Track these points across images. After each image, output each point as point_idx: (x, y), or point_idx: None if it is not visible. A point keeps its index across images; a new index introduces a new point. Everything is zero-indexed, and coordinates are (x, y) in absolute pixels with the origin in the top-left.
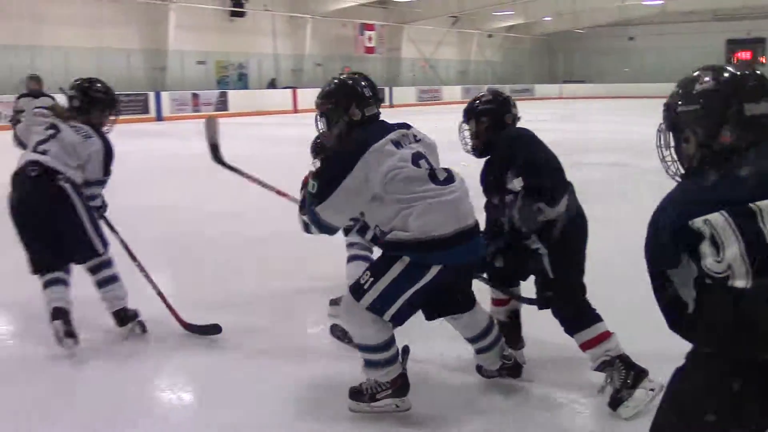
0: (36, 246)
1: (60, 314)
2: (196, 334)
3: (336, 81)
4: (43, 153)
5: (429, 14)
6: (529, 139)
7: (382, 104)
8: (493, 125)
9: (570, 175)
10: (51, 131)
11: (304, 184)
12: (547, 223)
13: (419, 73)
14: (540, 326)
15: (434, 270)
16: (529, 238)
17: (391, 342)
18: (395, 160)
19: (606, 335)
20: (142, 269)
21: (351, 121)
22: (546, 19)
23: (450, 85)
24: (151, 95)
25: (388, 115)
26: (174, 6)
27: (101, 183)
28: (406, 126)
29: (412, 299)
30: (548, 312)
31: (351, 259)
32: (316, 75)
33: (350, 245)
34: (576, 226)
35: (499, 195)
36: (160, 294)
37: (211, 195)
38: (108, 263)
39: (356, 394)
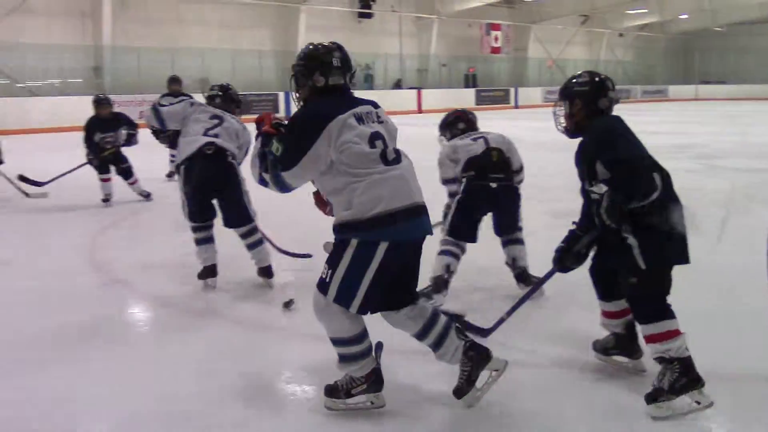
0: (203, 204)
1: (209, 272)
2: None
3: (310, 46)
4: (215, 136)
5: (558, 13)
6: (617, 133)
7: (506, 104)
8: (586, 108)
9: (704, 181)
10: (216, 120)
11: (258, 123)
12: (637, 212)
13: (546, 73)
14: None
15: (382, 247)
16: (621, 230)
17: (363, 335)
18: (353, 135)
19: (674, 334)
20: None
21: (314, 87)
22: (682, 16)
23: None
24: (281, 95)
25: (512, 116)
26: (305, 8)
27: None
28: (374, 104)
29: (372, 285)
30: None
31: (439, 252)
32: (441, 75)
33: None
34: (668, 216)
35: (589, 183)
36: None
37: None
38: (256, 229)
39: (332, 391)
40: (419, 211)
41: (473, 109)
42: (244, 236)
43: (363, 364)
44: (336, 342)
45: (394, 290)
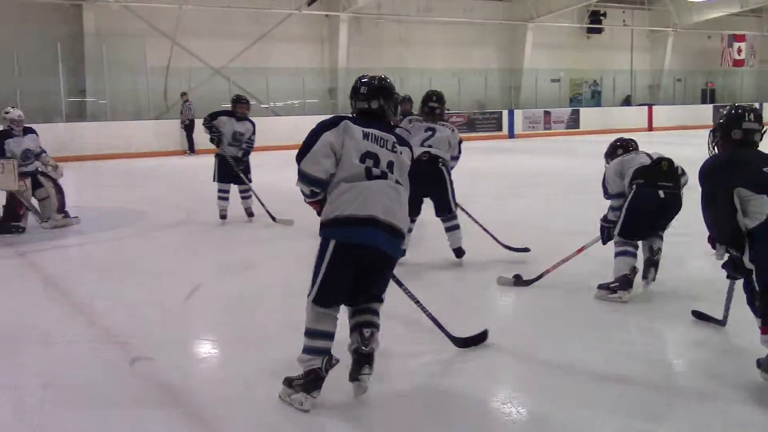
0: (415, 204)
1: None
2: None
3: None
4: (429, 146)
5: None
6: (716, 168)
7: None
8: (722, 139)
9: None
10: (429, 132)
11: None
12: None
13: None
14: None
15: (332, 245)
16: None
17: (324, 334)
18: (353, 144)
19: None
20: None
21: (353, 110)
22: None
23: None
24: (505, 113)
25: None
26: (532, 25)
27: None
28: (395, 135)
29: (325, 278)
30: None
31: (617, 254)
32: (675, 91)
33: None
34: None
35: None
36: None
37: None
38: (455, 216)
39: (287, 379)
40: (374, 224)
41: (711, 127)
42: (444, 220)
43: (311, 360)
44: (304, 332)
45: (350, 287)
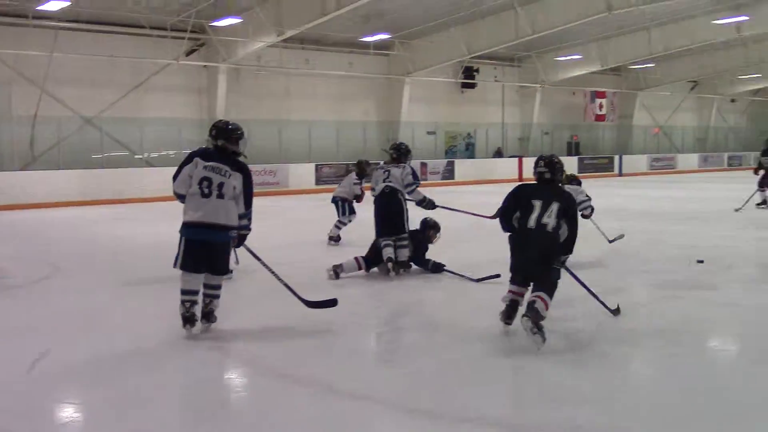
0: (381, 224)
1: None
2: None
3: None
4: (390, 182)
5: (666, 80)
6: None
7: (610, 172)
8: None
9: None
10: (386, 174)
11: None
12: None
13: (652, 140)
14: None
15: (183, 240)
16: None
17: (183, 291)
18: (197, 173)
19: None
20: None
21: (210, 146)
22: None
23: (686, 153)
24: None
25: (616, 184)
26: (409, 80)
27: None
28: (234, 165)
29: (183, 260)
30: None
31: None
32: (543, 143)
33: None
34: None
35: None
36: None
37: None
38: (407, 237)
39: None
40: (199, 225)
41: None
42: (394, 242)
43: (182, 306)
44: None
45: (198, 262)
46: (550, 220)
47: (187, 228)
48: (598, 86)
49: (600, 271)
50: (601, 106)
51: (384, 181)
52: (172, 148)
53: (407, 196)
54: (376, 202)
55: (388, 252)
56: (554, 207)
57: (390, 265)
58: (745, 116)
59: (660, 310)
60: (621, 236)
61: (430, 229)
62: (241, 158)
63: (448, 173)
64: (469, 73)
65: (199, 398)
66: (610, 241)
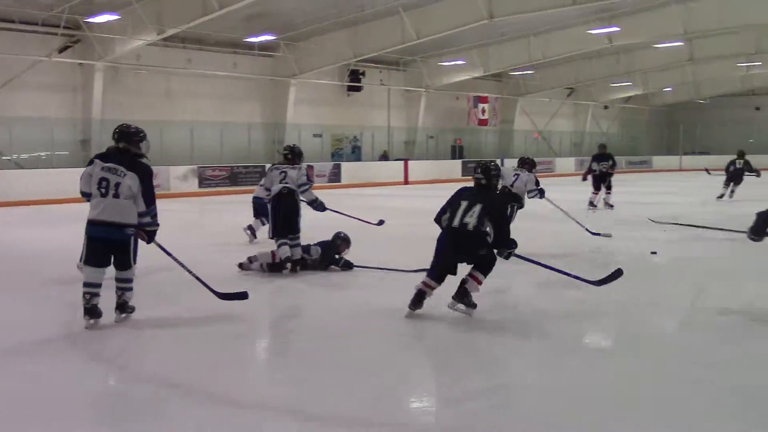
0: (279, 224)
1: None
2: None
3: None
4: (286, 183)
5: (544, 86)
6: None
7: None
8: None
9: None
10: (283, 175)
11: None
12: None
13: (532, 144)
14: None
15: (85, 238)
16: None
17: (84, 284)
18: (96, 173)
19: None
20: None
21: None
22: (666, 89)
23: (563, 156)
24: (268, 167)
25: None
26: (295, 81)
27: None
28: (127, 164)
29: (87, 254)
30: None
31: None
32: (428, 147)
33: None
34: None
35: None
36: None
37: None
38: (299, 236)
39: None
40: (98, 223)
41: (459, 180)
42: (291, 239)
43: (84, 298)
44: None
45: (98, 257)
46: (471, 219)
47: (88, 225)
48: (481, 91)
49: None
50: (483, 111)
51: (281, 182)
52: (44, 149)
53: (301, 197)
54: (273, 201)
55: (284, 251)
56: (477, 208)
57: (290, 265)
58: (617, 122)
59: (536, 306)
60: (608, 234)
61: (342, 241)
62: (144, 160)
63: (335, 176)
64: (355, 76)
65: (73, 400)
66: (593, 233)
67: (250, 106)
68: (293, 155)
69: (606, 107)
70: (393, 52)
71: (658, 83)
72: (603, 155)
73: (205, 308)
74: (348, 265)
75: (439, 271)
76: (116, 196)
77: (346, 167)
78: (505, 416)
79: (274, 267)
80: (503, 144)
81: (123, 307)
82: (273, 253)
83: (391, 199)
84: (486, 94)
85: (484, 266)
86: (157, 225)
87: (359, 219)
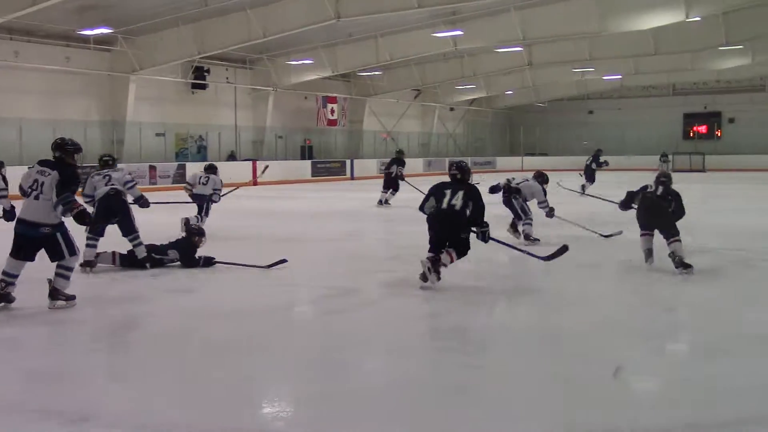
0: (101, 220)
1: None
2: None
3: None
4: (113, 184)
5: (392, 87)
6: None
7: (343, 176)
8: None
9: None
10: (107, 178)
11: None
12: None
13: (381, 145)
14: None
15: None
16: None
17: (2, 272)
18: (30, 176)
19: None
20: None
21: None
22: (507, 93)
23: (412, 157)
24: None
25: (348, 188)
26: (135, 77)
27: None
28: (50, 167)
29: (12, 247)
30: None
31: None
32: (277, 147)
33: None
34: None
35: None
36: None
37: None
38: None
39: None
40: (19, 222)
41: (309, 181)
42: (130, 241)
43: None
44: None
45: (19, 250)
46: (457, 202)
47: (16, 221)
48: (330, 92)
49: (335, 269)
50: (332, 111)
51: (107, 185)
52: None
53: (128, 194)
54: (101, 203)
55: (141, 251)
56: (460, 194)
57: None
58: (463, 123)
59: (389, 307)
60: (619, 232)
61: (195, 235)
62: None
63: (179, 177)
64: (200, 73)
65: None
66: (606, 236)
67: (85, 102)
68: (113, 161)
69: (452, 109)
70: (239, 49)
71: (500, 86)
72: (399, 160)
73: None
74: (209, 262)
75: (435, 243)
76: (36, 198)
77: (192, 168)
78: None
79: (128, 261)
80: (353, 144)
81: (53, 294)
82: (114, 253)
83: (240, 200)
84: (335, 95)
85: (460, 248)
86: (76, 206)
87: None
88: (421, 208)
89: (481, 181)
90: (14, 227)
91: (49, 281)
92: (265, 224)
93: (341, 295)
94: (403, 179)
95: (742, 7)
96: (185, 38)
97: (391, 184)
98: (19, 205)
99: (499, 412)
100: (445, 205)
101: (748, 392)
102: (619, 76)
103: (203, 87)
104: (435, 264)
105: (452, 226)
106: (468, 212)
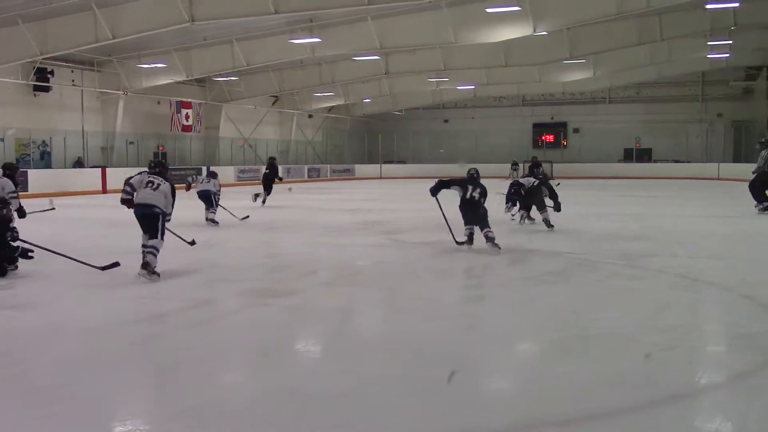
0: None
1: None
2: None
3: None
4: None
5: (249, 93)
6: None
7: None
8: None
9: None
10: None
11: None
12: None
13: (239, 152)
14: None
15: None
16: None
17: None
18: (143, 180)
19: None
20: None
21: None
22: (366, 100)
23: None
24: None
25: None
26: None
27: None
28: (159, 177)
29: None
30: None
31: None
32: (128, 154)
33: None
34: None
35: None
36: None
37: None
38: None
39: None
40: (137, 206)
41: None
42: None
43: None
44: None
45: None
46: (476, 194)
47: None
48: (184, 96)
49: (193, 277)
50: (187, 117)
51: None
52: None
53: (11, 204)
54: None
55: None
56: (478, 190)
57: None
58: (321, 131)
59: (250, 318)
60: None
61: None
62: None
63: (22, 185)
64: (43, 74)
65: None
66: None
67: None
68: (8, 169)
69: (310, 116)
70: (86, 50)
71: (358, 94)
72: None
73: None
74: (25, 254)
75: (469, 221)
76: (158, 189)
77: (35, 175)
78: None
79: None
80: (209, 151)
81: (146, 266)
82: None
83: (87, 209)
84: (190, 100)
85: (486, 221)
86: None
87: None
88: (438, 188)
89: (560, 182)
90: (135, 212)
91: (143, 256)
92: (116, 234)
93: (199, 306)
94: (280, 180)
95: (585, 24)
96: (25, 37)
97: (268, 185)
98: None
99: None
100: (468, 196)
101: (591, 390)
102: (473, 87)
103: (47, 89)
104: (470, 237)
105: (474, 211)
106: (483, 200)
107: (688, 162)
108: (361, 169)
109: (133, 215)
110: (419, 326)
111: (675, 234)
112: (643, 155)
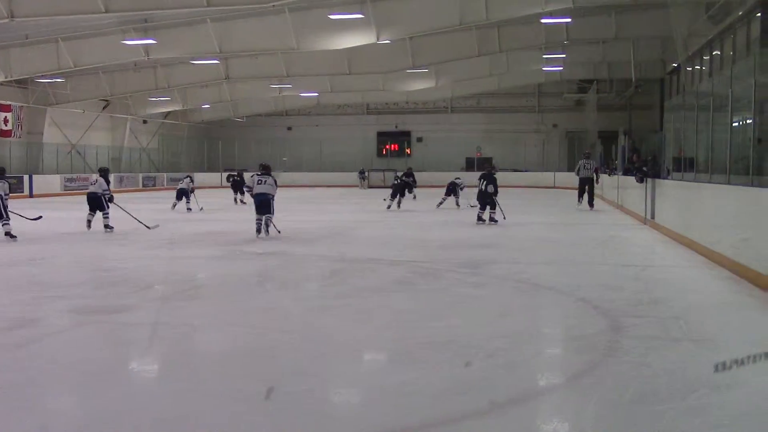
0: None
1: None
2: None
3: None
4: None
5: (77, 97)
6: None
7: (20, 193)
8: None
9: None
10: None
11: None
12: None
13: (65, 159)
14: None
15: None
16: None
17: None
18: (256, 179)
19: None
20: None
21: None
22: (204, 106)
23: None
24: None
25: (28, 206)
26: None
27: None
28: (268, 177)
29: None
30: None
31: None
32: None
33: None
34: None
35: None
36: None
37: None
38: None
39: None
40: (256, 195)
41: None
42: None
43: None
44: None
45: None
46: (483, 186)
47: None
48: (3, 99)
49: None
50: (6, 121)
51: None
52: None
53: None
54: None
55: None
56: (485, 181)
57: None
58: (157, 137)
59: (77, 337)
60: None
61: None
62: None
63: None
64: None
65: None
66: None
67: None
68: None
69: (145, 122)
70: None
71: (196, 100)
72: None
73: None
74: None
75: (482, 204)
76: (266, 182)
77: None
78: None
79: None
80: (31, 158)
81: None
82: None
83: None
84: (9, 102)
85: (493, 206)
86: None
87: None
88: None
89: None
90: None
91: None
92: None
93: (21, 327)
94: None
95: (427, 34)
96: None
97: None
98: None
99: None
100: (481, 188)
101: (437, 397)
102: (316, 94)
103: None
104: (480, 216)
105: (485, 198)
106: (490, 189)
107: (526, 171)
108: (199, 177)
109: None
110: (263, 339)
111: (516, 241)
112: (484, 164)
